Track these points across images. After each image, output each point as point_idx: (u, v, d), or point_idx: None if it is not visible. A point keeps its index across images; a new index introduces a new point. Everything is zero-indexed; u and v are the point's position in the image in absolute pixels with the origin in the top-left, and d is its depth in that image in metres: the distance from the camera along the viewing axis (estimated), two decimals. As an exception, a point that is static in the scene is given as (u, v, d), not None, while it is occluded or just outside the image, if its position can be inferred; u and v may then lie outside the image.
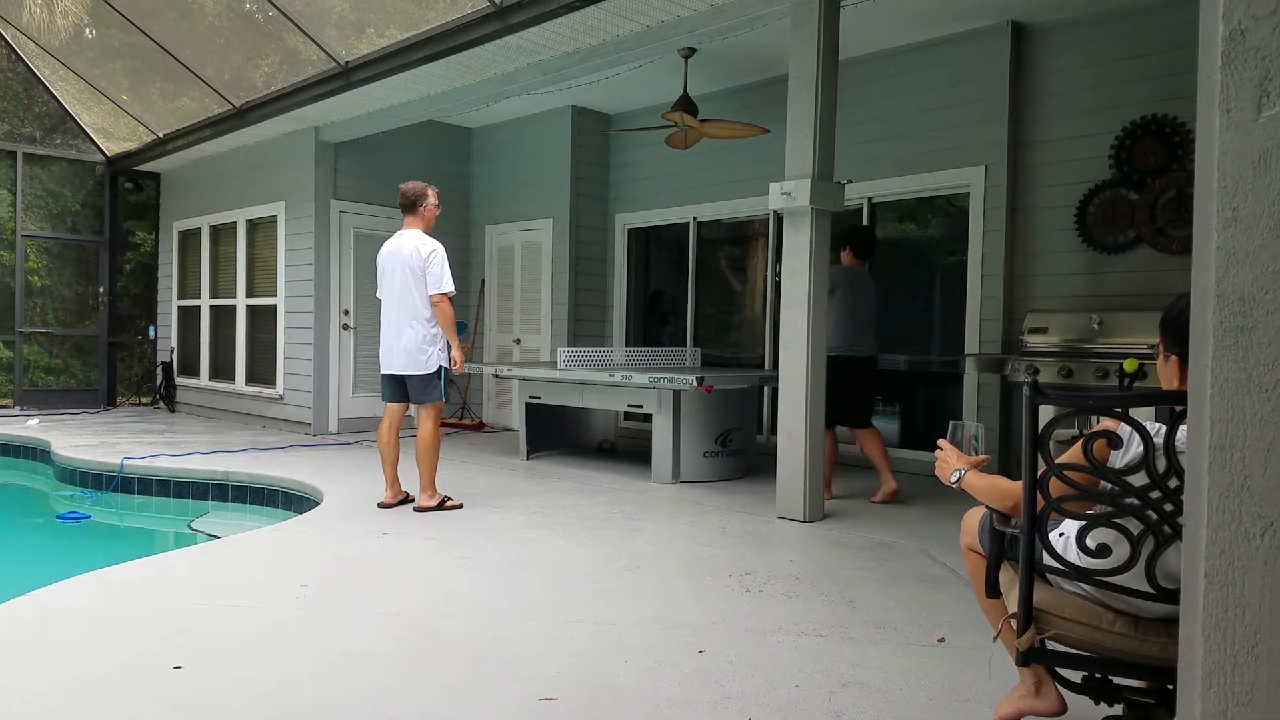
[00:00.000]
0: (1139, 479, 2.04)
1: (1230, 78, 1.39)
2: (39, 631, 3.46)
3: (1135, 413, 2.10)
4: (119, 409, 12.31)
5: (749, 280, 9.42)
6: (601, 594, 4.12)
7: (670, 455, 7.07)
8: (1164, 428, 2.03)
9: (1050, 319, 6.69)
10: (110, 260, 12.51)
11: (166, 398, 12.32)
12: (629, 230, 10.18)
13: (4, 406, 11.67)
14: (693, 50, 7.42)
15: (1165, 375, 2.24)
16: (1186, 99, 6.27)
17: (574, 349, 8.12)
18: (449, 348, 5.91)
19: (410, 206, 5.95)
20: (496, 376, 8.67)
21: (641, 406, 7.22)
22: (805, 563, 4.76)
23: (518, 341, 10.59)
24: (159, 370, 12.53)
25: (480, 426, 10.46)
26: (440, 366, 5.87)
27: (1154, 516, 2.04)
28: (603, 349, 8.79)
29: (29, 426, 9.95)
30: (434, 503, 5.85)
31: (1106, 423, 2.13)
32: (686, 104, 7.49)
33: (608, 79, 8.18)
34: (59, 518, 6.97)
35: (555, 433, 8.49)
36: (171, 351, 12.36)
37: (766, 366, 8.72)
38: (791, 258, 5.80)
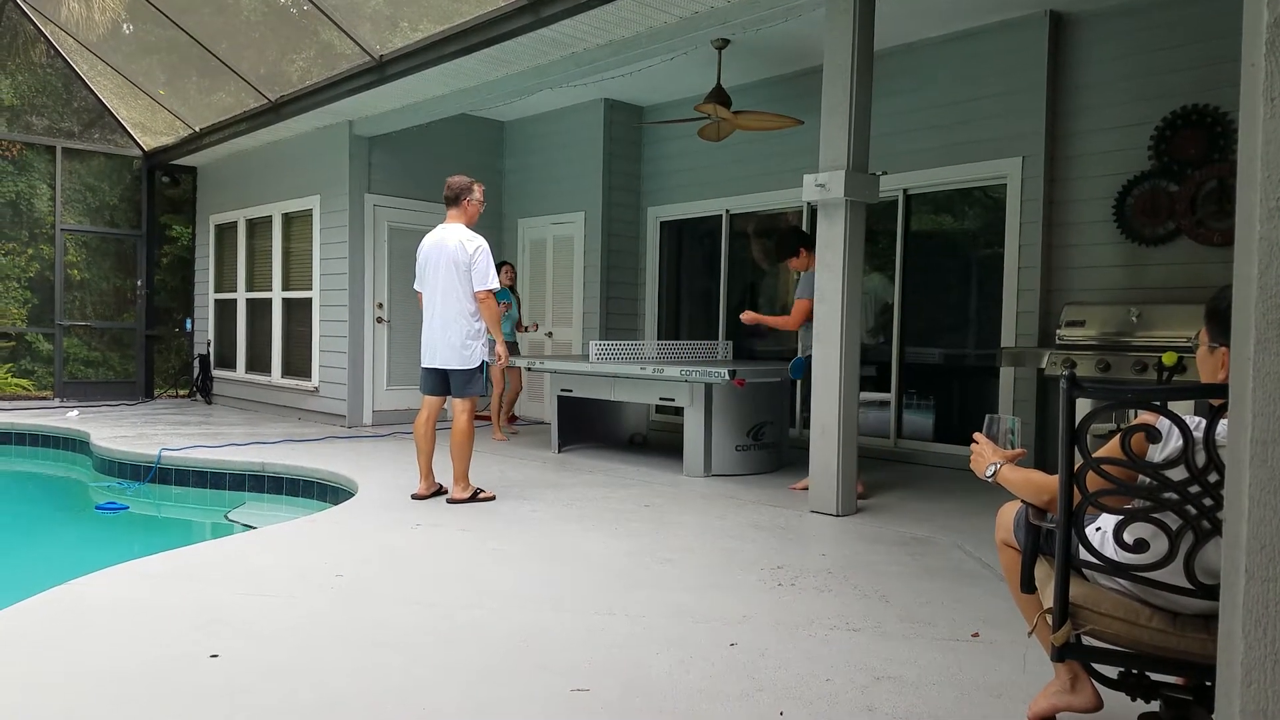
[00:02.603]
0: (1178, 473, 2.02)
1: (1275, 65, 1.36)
2: (78, 621, 3.52)
3: (1174, 407, 2.07)
4: (157, 401, 12.50)
5: (781, 272, 9.38)
6: (633, 586, 4.13)
7: (702, 449, 7.06)
8: (1204, 421, 2.00)
9: (1088, 312, 6.61)
10: (148, 254, 12.69)
11: (203, 390, 12.49)
12: (661, 223, 10.17)
13: (44, 398, 11.88)
14: (726, 41, 7.39)
15: (1208, 367, 2.20)
16: (1229, 88, 6.17)
17: (606, 342, 8.13)
18: (492, 343, 5.96)
19: (454, 200, 5.96)
20: (528, 369, 8.70)
21: (673, 400, 7.21)
22: (838, 557, 4.74)
23: (550, 335, 10.62)
24: (196, 363, 12.70)
25: (512, 419, 10.49)
26: (483, 361, 5.92)
27: (1193, 511, 2.01)
28: (634, 342, 8.79)
29: (68, 418, 10.12)
30: (467, 495, 5.88)
31: (1145, 416, 2.10)
32: (720, 96, 7.46)
33: (641, 71, 8.16)
34: (98, 508, 7.08)
35: (587, 426, 8.51)
36: (208, 344, 12.52)
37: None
38: (825, 251, 5.77)
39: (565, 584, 4.17)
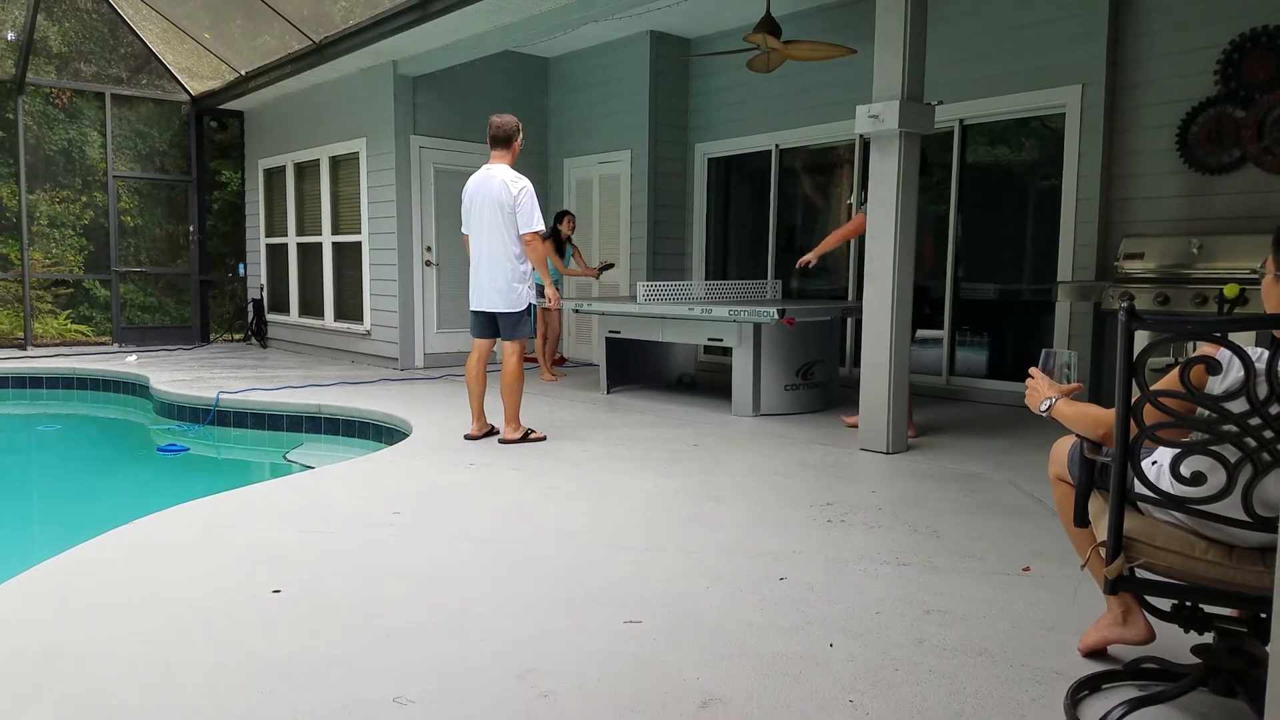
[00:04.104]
0: (1238, 405, 1.98)
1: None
2: (145, 558, 3.64)
3: (1235, 339, 2.02)
4: (212, 345, 12.75)
5: (833, 209, 9.26)
6: (683, 523, 4.16)
7: (750, 388, 7.05)
8: (1266, 352, 1.96)
9: (1147, 244, 6.45)
10: (198, 199, 12.85)
11: (258, 334, 12.70)
12: (709, 160, 10.06)
13: (103, 343, 12.17)
14: (775, -31, 7.22)
15: (1274, 297, 2.14)
16: (1300, 7, 5.92)
17: (653, 283, 8.10)
18: (541, 285, 5.94)
19: (505, 141, 5.88)
20: (576, 312, 8.71)
21: (722, 340, 7.19)
22: (888, 494, 4.74)
23: (600, 273, 10.59)
24: (250, 307, 12.90)
25: (561, 361, 10.55)
26: (530, 304, 5.92)
27: (1253, 443, 1.97)
28: (682, 282, 8.75)
29: (128, 363, 10.36)
30: (518, 435, 5.94)
31: (1205, 348, 2.06)
32: (770, 25, 7.28)
33: (688, 0, 7.99)
34: (160, 450, 7.27)
35: (635, 367, 8.53)
36: (261, 289, 12.70)
37: (850, 298, 8.61)
38: (878, 185, 5.67)
39: (617, 521, 4.21)
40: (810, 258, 6.61)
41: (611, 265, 9.80)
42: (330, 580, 3.38)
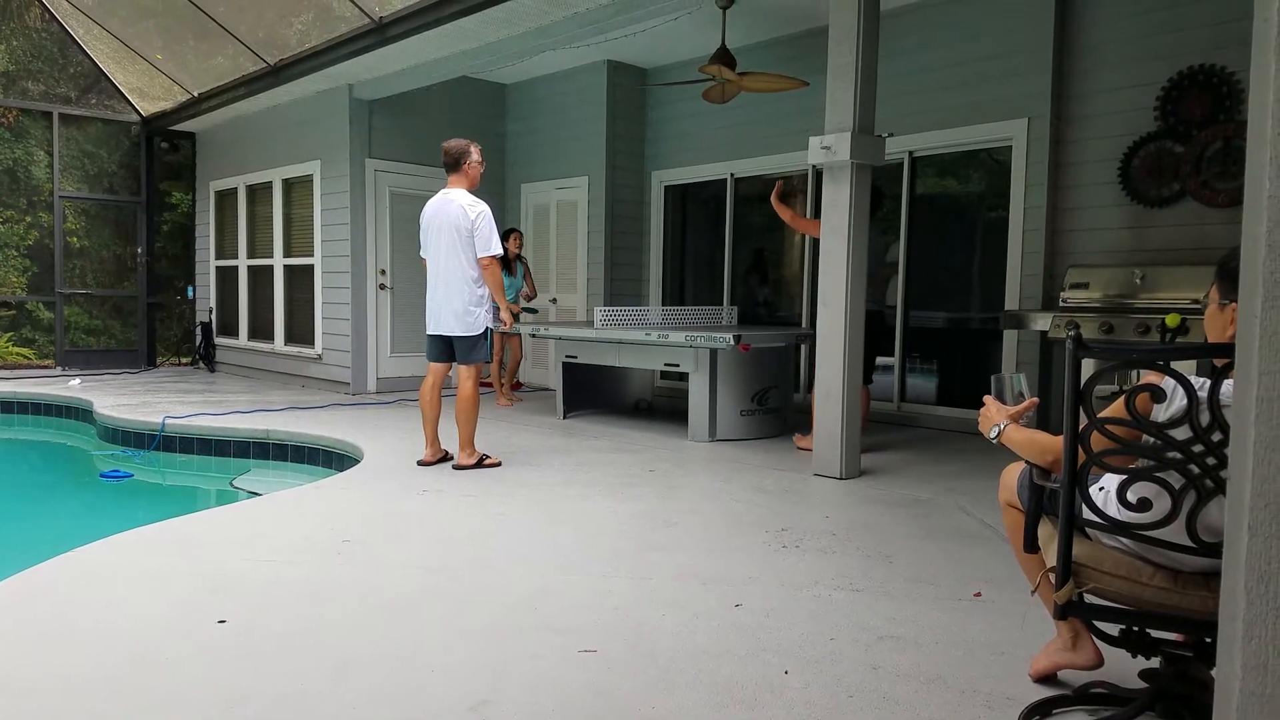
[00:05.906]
0: (1182, 432, 2.03)
1: (1286, 19, 1.35)
2: (86, 588, 3.55)
3: (1177, 367, 2.07)
4: (159, 369, 12.51)
5: (787, 237, 9.35)
6: (639, 549, 4.15)
7: (707, 414, 7.07)
8: (1208, 381, 2.01)
9: (1092, 274, 6.60)
10: (148, 221, 12.62)
11: (206, 358, 12.49)
12: (665, 187, 10.13)
13: (46, 367, 11.88)
14: (731, 1, 7.31)
15: (1217, 325, 2.20)
16: (1236, 47, 6.11)
17: (610, 308, 8.10)
18: (496, 309, 5.95)
19: (454, 164, 5.89)
20: (534, 336, 8.69)
21: (678, 365, 7.21)
22: (841, 519, 4.77)
23: (554, 301, 10.60)
24: (198, 330, 12.70)
25: (518, 386, 10.50)
26: (487, 328, 5.91)
27: (1196, 470, 2.02)
28: (639, 307, 8.77)
29: (71, 387, 10.13)
30: (473, 461, 5.90)
31: (1150, 376, 2.11)
32: (724, 57, 7.38)
33: (644, 32, 8.08)
34: (102, 476, 7.10)
35: (592, 392, 8.52)
36: (210, 312, 12.51)
37: (804, 324, 8.68)
38: (831, 214, 5.74)
39: (571, 547, 4.19)
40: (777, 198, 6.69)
41: (534, 310, 9.82)
42: (279, 610, 3.32)
